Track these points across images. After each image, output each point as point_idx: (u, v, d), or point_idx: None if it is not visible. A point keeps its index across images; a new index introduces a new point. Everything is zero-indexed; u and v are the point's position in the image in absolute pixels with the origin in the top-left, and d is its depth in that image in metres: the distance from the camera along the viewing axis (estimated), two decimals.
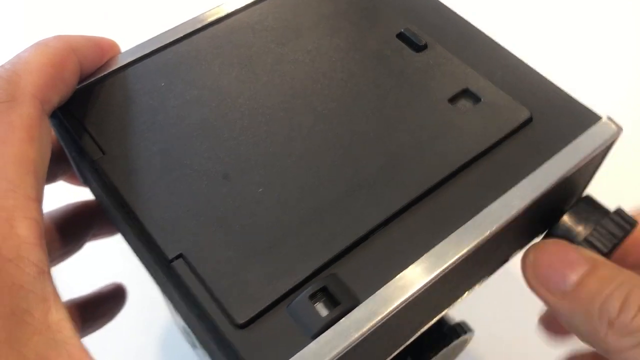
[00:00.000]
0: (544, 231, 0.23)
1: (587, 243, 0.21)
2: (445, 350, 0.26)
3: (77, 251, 0.26)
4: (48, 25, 0.53)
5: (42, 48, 0.20)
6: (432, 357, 0.25)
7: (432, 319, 0.21)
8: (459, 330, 0.27)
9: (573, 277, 0.20)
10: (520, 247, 0.23)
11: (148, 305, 0.36)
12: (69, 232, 0.25)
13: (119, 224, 0.21)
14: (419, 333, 0.21)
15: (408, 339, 0.21)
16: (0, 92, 0.18)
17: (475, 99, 0.22)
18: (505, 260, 0.23)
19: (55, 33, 0.21)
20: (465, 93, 0.22)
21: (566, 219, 0.22)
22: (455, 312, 0.27)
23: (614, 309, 0.18)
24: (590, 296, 0.19)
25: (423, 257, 0.18)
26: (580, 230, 0.21)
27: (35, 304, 0.16)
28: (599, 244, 0.21)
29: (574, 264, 0.20)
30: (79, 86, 0.22)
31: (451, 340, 0.26)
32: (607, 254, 0.21)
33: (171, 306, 0.33)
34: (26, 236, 0.16)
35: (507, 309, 0.36)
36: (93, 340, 0.20)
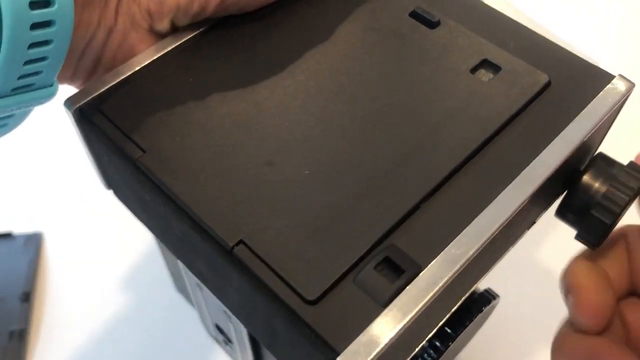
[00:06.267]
0: (563, 192, 0.24)
1: (606, 199, 0.22)
2: (479, 316, 0.27)
3: None
4: None
5: None
6: (469, 324, 0.26)
7: (480, 279, 0.22)
8: (488, 296, 0.27)
9: None
10: (545, 208, 0.24)
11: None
12: None
13: (166, 222, 0.21)
14: (468, 293, 0.22)
15: (460, 300, 0.22)
16: None
17: (495, 68, 0.23)
18: (532, 222, 0.24)
19: None
20: (485, 63, 0.23)
21: (587, 178, 0.23)
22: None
23: None
24: None
25: (476, 219, 0.19)
26: (598, 186, 0.22)
27: None
28: (617, 199, 0.22)
29: None
30: (108, 87, 0.22)
31: (484, 305, 0.27)
32: (626, 205, 0.22)
33: (204, 308, 0.33)
34: None
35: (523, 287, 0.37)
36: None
